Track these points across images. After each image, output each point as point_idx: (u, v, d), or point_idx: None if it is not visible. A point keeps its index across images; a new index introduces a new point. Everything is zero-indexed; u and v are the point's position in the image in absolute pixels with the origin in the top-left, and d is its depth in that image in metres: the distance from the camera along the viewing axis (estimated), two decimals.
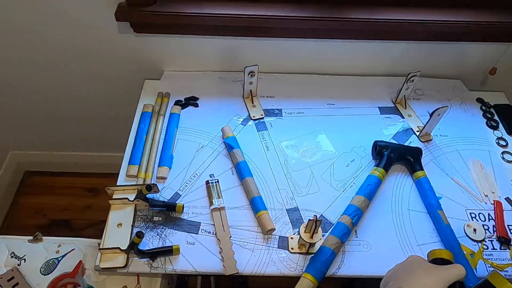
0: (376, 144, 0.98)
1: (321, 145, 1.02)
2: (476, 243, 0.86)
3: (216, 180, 0.92)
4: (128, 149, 0.98)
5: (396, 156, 0.96)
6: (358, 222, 0.86)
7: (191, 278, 1.26)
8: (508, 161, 1.02)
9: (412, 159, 0.96)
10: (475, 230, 0.87)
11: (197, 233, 0.84)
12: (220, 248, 0.81)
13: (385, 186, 0.94)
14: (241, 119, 1.07)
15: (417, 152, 0.97)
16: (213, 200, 0.88)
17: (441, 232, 0.86)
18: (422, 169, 0.95)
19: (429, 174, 0.95)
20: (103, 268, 0.78)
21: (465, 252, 0.81)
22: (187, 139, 1.02)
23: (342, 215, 0.86)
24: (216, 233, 0.84)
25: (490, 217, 0.90)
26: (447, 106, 0.98)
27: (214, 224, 0.85)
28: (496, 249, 0.85)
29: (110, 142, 1.52)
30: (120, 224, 0.83)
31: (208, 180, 0.92)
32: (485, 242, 0.86)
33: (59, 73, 1.25)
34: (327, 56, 1.18)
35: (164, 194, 0.90)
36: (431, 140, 1.04)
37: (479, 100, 1.19)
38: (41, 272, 0.87)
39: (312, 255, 0.81)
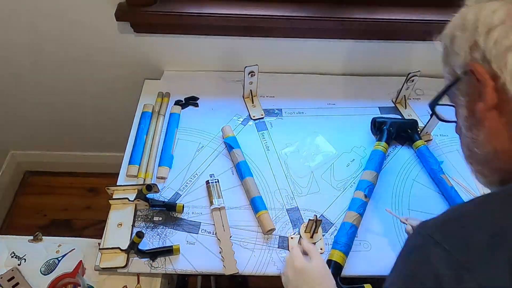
0: (375, 120, 1.02)
1: (320, 147, 1.02)
2: None
3: (216, 180, 0.92)
4: (128, 149, 0.98)
5: (395, 130, 1.01)
6: (371, 195, 0.90)
7: (191, 278, 1.26)
8: None
9: (410, 131, 1.02)
10: None
11: (197, 233, 0.84)
12: (220, 248, 0.81)
13: (384, 187, 0.94)
14: (241, 119, 1.07)
15: (414, 124, 1.03)
16: (213, 200, 0.88)
17: (446, 195, 0.90)
18: (420, 138, 1.00)
19: None
20: (103, 268, 0.78)
21: None
22: (187, 139, 1.02)
23: (355, 191, 0.90)
24: (216, 233, 0.84)
25: None
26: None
27: (214, 224, 0.85)
28: None
29: (110, 142, 1.51)
30: (120, 224, 0.83)
31: (208, 180, 0.92)
32: None
33: (59, 73, 1.25)
34: (327, 56, 1.18)
35: (164, 194, 0.90)
36: (431, 140, 1.04)
37: None
38: (41, 272, 0.87)
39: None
